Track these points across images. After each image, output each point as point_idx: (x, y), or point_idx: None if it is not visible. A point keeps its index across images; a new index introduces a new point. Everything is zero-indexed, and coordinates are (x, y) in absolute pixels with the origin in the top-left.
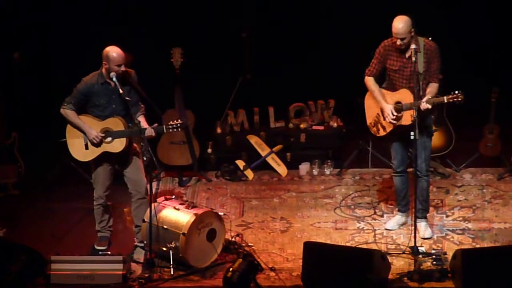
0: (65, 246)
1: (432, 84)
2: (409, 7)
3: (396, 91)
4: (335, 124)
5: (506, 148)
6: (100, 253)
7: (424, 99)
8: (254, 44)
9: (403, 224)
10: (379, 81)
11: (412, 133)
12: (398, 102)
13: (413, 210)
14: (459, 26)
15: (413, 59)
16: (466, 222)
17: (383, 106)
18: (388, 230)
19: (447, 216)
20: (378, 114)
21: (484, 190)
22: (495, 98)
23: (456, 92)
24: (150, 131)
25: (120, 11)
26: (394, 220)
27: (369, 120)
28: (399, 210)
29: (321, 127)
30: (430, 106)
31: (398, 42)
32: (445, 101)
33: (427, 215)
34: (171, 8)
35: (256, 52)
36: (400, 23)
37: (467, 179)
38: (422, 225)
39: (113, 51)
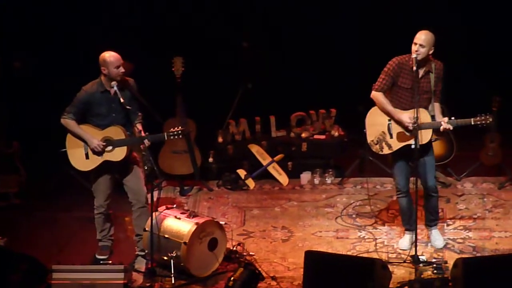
0: (66, 255)
1: (436, 104)
2: (410, 13)
3: (405, 110)
4: (337, 133)
5: (507, 157)
6: (101, 262)
7: (446, 119)
8: (255, 53)
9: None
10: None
11: (412, 142)
12: None
13: (418, 221)
14: (459, 35)
15: (414, 73)
16: (467, 231)
17: (400, 117)
18: (389, 240)
19: (448, 225)
20: (383, 132)
21: (485, 199)
22: (496, 107)
23: (485, 115)
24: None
25: (122, 21)
26: (406, 240)
27: (371, 137)
28: (407, 230)
29: (323, 136)
30: (451, 127)
31: (415, 48)
32: (472, 123)
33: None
34: (173, 18)
35: (257, 61)
36: (424, 34)
37: (468, 188)
38: (433, 233)
39: (109, 54)
